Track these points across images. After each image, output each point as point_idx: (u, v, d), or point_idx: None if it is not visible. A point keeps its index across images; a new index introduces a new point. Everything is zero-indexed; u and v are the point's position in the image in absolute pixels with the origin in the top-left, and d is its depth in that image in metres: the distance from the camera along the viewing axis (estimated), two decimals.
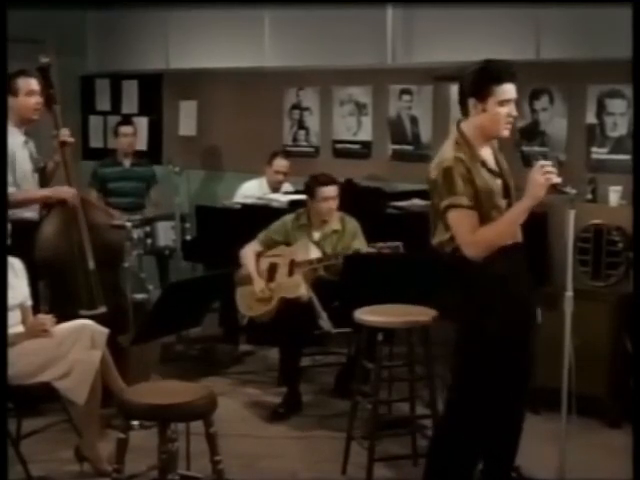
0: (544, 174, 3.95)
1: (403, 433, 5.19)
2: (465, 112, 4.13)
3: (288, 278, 6.09)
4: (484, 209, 4.02)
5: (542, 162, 4.04)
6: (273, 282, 6.18)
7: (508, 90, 4.04)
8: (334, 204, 6.15)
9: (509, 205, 4.12)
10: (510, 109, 4.06)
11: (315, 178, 6.22)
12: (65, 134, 5.87)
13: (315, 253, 6.08)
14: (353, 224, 6.23)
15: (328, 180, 6.17)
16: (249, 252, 6.31)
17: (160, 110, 9.30)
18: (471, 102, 4.07)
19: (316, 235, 6.20)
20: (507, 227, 4.05)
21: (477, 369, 4.11)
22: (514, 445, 4.38)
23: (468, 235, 3.99)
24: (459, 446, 4.18)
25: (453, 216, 4.00)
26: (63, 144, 5.86)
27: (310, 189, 6.19)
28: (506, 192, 4.16)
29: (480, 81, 4.05)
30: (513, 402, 4.28)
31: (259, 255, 6.29)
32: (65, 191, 5.82)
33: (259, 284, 6.19)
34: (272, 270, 6.22)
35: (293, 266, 6.07)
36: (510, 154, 6.60)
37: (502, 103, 4.03)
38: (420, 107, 7.56)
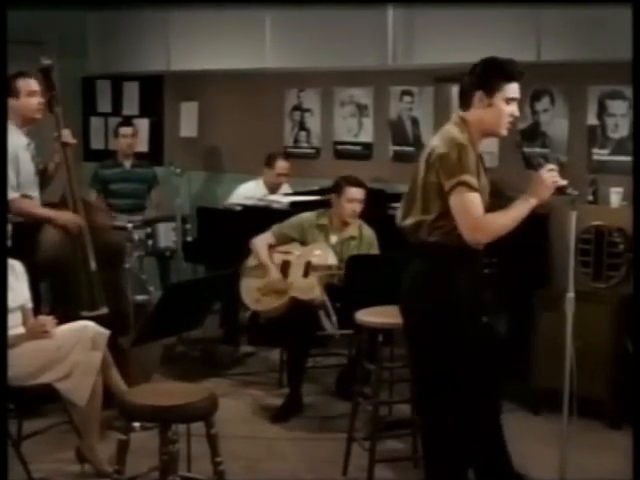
0: (553, 177, 3.97)
1: (404, 434, 5.19)
2: (466, 105, 4.11)
3: (303, 279, 6.07)
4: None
5: (550, 166, 4.06)
6: (285, 279, 6.16)
7: (515, 89, 4.07)
8: (358, 207, 6.16)
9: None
10: (514, 108, 4.08)
11: (345, 178, 6.25)
12: (67, 135, 5.86)
13: (333, 259, 6.05)
14: (370, 233, 6.23)
15: (357, 182, 6.21)
16: (262, 242, 6.27)
17: (161, 111, 9.30)
18: (477, 95, 4.06)
19: (333, 239, 6.19)
20: (512, 221, 4.00)
21: (439, 366, 4.10)
22: (500, 446, 4.35)
23: (476, 218, 3.92)
24: (446, 446, 4.17)
25: (463, 196, 3.90)
26: (65, 145, 5.84)
27: (338, 187, 6.19)
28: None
29: (491, 75, 4.06)
30: (483, 402, 4.25)
31: (271, 247, 6.27)
32: (68, 218, 5.76)
33: (275, 274, 6.15)
34: (285, 267, 6.19)
35: (309, 268, 6.05)
36: (511, 155, 6.64)
37: (508, 101, 4.05)
38: (421, 108, 7.56)
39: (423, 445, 4.30)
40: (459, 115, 4.15)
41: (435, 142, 4.08)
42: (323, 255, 6.07)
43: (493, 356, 4.34)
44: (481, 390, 4.17)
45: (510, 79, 4.05)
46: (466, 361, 4.04)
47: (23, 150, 5.81)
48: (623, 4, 5.38)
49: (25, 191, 5.80)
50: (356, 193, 6.15)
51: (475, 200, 3.93)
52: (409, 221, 4.12)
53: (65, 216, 5.76)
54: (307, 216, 6.28)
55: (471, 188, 3.92)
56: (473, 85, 4.10)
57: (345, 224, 6.20)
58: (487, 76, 4.07)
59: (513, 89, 4.06)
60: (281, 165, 7.71)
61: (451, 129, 4.10)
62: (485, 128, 4.11)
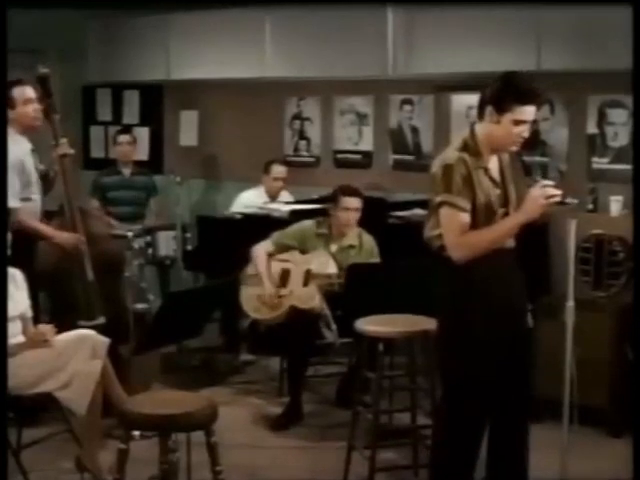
0: (545, 196, 3.95)
1: (404, 443, 5.18)
2: (480, 116, 4.11)
3: (303, 288, 6.06)
4: (478, 215, 4.02)
5: (544, 182, 4.04)
6: (285, 288, 6.15)
7: (527, 112, 4.00)
8: (354, 216, 6.15)
9: (506, 214, 4.12)
10: (523, 129, 4.03)
11: (341, 187, 6.24)
12: (64, 146, 5.84)
13: (333, 267, 6.04)
14: (370, 241, 6.22)
15: (353, 191, 6.19)
16: (261, 252, 6.25)
17: (161, 120, 9.32)
18: (488, 109, 4.04)
19: (333, 247, 6.18)
20: (496, 237, 4.05)
21: (461, 371, 4.12)
22: (519, 456, 4.36)
23: (455, 236, 4.00)
24: (455, 454, 4.20)
25: (445, 214, 4.01)
26: (62, 156, 5.83)
27: (334, 197, 6.20)
28: (505, 202, 4.15)
29: (503, 94, 4.01)
30: (510, 411, 4.26)
31: (270, 256, 6.25)
32: (66, 238, 5.76)
33: (269, 289, 6.13)
34: (285, 276, 6.17)
35: (309, 276, 6.05)
36: (512, 164, 6.62)
37: (517, 123, 4.00)
38: (421, 117, 7.57)
39: (433, 450, 4.34)
40: (471, 128, 4.15)
41: (434, 161, 4.16)
42: (323, 263, 6.06)
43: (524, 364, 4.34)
44: (509, 397, 4.22)
45: (523, 102, 3.98)
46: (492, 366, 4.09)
47: (28, 156, 5.80)
48: (623, 4, 5.37)
49: (28, 195, 5.79)
50: (351, 202, 6.14)
51: (454, 219, 4.00)
52: (425, 235, 4.20)
53: (64, 236, 5.76)
54: (307, 224, 6.27)
55: (454, 207, 3.98)
56: (486, 98, 4.07)
57: (344, 232, 6.20)
58: (500, 93, 4.02)
59: (524, 112, 3.99)
60: (277, 170, 7.72)
61: (450, 146, 4.15)
62: (492, 143, 4.09)
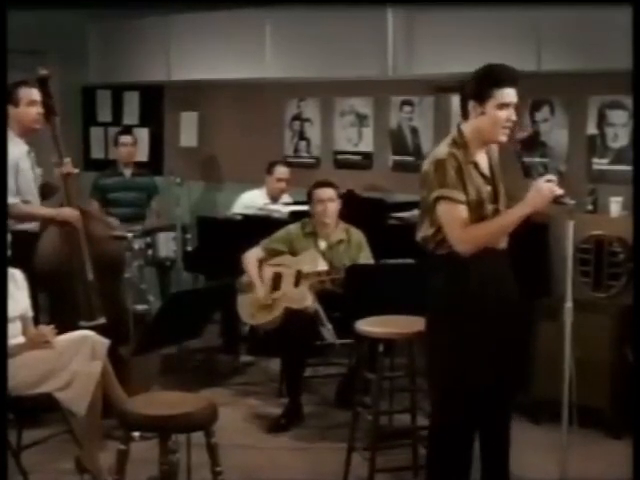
0: (550, 189, 3.97)
1: (404, 444, 5.18)
2: (465, 115, 4.16)
3: (294, 288, 6.08)
4: (469, 211, 4.03)
5: (549, 176, 4.06)
6: (278, 291, 6.17)
7: (508, 94, 4.06)
8: (331, 207, 6.19)
9: (496, 211, 4.13)
10: (509, 113, 4.07)
11: (314, 183, 6.36)
12: (68, 165, 5.86)
13: (322, 265, 6.07)
14: (358, 236, 6.26)
15: (323, 183, 6.30)
16: (252, 258, 6.29)
17: (161, 121, 9.32)
18: (471, 104, 4.10)
19: (322, 244, 6.22)
20: (500, 229, 4.06)
21: (453, 371, 4.12)
22: (503, 455, 4.36)
23: (458, 230, 4.00)
24: (451, 453, 4.20)
25: (443, 209, 4.01)
26: (67, 175, 5.86)
27: (308, 193, 6.29)
28: (495, 198, 4.17)
29: (481, 84, 4.08)
30: (494, 409, 4.26)
31: (262, 262, 6.28)
32: (69, 213, 5.79)
33: (261, 291, 6.18)
34: (277, 279, 6.20)
35: (300, 277, 6.06)
36: (511, 165, 6.64)
37: (501, 107, 4.05)
38: (421, 118, 7.57)
39: (429, 451, 4.33)
40: (457, 128, 4.18)
41: (425, 160, 4.19)
42: (313, 262, 6.09)
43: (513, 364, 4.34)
44: (493, 398, 4.21)
45: (500, 85, 4.04)
46: (481, 367, 4.09)
47: (24, 159, 5.82)
48: (623, 4, 5.37)
49: (25, 197, 5.81)
50: (323, 193, 6.20)
51: (455, 212, 4.01)
52: (419, 236, 4.20)
53: (65, 212, 5.78)
54: (293, 227, 6.33)
55: (452, 200, 4.00)
56: (467, 95, 4.14)
57: (328, 226, 6.22)
58: (477, 84, 4.10)
59: (505, 94, 4.05)
60: (280, 171, 7.73)
61: (441, 145, 4.17)
62: (483, 136, 4.13)
